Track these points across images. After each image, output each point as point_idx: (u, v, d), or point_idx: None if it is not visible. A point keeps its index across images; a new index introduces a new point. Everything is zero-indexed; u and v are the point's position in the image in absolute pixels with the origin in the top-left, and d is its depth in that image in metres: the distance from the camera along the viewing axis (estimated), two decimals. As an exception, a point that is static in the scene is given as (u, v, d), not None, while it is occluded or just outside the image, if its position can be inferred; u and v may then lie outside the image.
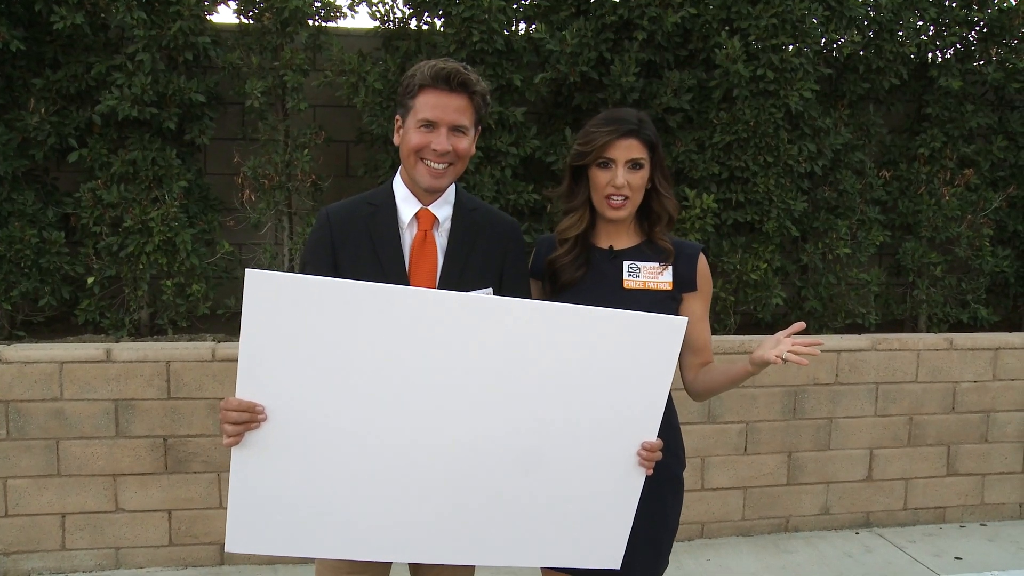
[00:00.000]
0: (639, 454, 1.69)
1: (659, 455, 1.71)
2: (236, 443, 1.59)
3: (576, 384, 1.63)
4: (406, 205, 1.83)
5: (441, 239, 1.84)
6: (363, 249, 1.80)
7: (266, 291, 1.51)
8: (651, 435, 1.69)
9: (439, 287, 1.78)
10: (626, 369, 1.64)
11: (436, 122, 1.75)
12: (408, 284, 1.78)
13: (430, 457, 1.64)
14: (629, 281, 1.90)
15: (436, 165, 1.77)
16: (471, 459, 1.65)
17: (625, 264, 1.92)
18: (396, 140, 1.86)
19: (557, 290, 1.94)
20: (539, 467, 1.68)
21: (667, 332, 1.63)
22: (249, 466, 1.62)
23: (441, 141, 1.75)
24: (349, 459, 1.63)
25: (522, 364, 1.60)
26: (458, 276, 1.79)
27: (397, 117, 1.85)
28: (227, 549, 1.67)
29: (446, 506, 1.68)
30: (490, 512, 1.70)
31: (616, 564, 1.79)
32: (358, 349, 1.56)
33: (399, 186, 1.85)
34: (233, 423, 1.57)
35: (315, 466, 1.63)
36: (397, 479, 1.65)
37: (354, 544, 1.70)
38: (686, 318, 1.63)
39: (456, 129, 1.77)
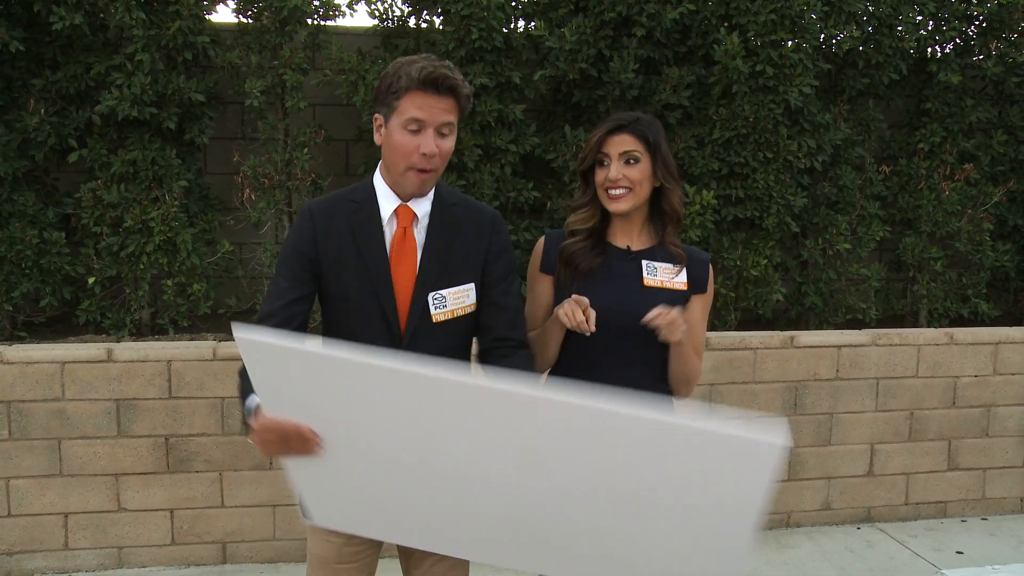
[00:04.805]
0: None
1: None
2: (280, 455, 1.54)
3: (637, 507, 1.38)
4: (386, 202, 1.82)
5: (420, 235, 1.82)
6: (346, 245, 1.79)
7: (258, 356, 1.42)
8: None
9: (418, 282, 1.77)
10: (702, 498, 1.35)
11: (424, 121, 1.70)
12: (390, 279, 1.77)
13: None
14: (648, 279, 1.95)
15: (422, 171, 1.74)
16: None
17: (644, 263, 1.97)
18: (378, 139, 1.80)
19: (576, 279, 1.96)
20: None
21: (762, 457, 1.29)
22: (304, 475, 1.58)
23: (429, 143, 1.70)
24: (407, 495, 1.52)
25: (575, 477, 1.36)
26: (437, 271, 1.79)
27: (377, 116, 1.78)
28: (310, 523, 1.72)
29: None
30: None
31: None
32: (372, 427, 1.42)
33: (379, 182, 1.83)
34: (280, 443, 1.50)
35: (372, 493, 1.57)
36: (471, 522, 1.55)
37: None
38: (783, 441, 1.28)
39: (442, 127, 1.73)
